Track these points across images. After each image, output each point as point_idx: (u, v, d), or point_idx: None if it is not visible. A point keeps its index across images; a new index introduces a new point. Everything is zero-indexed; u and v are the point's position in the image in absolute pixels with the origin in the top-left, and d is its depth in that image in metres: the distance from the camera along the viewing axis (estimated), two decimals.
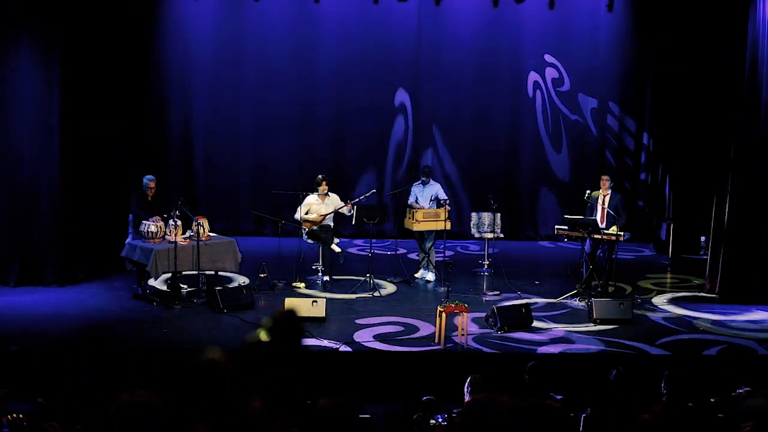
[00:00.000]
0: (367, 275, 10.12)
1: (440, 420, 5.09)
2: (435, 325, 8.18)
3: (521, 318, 8.60)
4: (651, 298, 10.00)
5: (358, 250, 12.47)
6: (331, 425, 3.00)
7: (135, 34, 12.22)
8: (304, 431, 3.10)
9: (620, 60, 13.88)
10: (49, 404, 5.16)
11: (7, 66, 9.96)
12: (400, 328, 8.56)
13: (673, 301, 9.90)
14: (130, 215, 9.95)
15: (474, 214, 11.20)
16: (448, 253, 10.93)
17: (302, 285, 10.16)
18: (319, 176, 10.49)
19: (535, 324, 8.66)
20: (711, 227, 10.43)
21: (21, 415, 3.79)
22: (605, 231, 9.65)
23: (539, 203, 14.19)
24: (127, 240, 9.86)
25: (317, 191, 10.37)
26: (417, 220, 10.39)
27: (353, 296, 9.78)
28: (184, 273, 9.56)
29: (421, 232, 10.59)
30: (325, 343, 7.95)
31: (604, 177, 9.96)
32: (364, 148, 13.98)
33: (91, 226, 10.84)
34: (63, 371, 7.40)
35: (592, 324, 8.71)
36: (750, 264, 9.89)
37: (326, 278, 10.21)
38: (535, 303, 9.50)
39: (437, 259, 10.79)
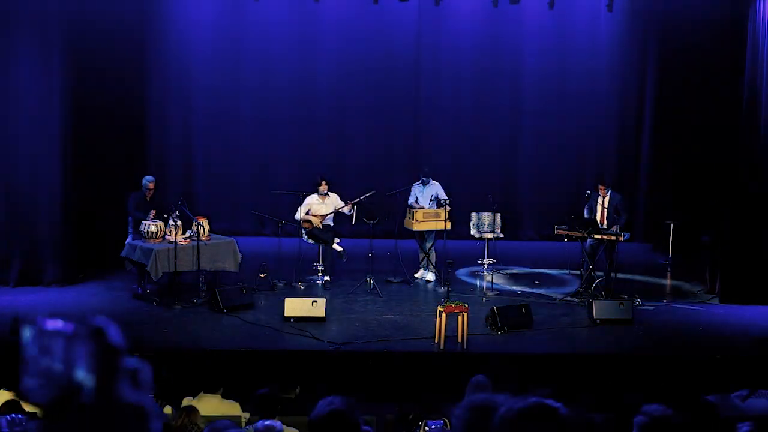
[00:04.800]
0: (368, 276, 10.12)
1: (433, 427, 5.04)
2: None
3: (521, 318, 8.60)
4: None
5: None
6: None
7: (135, 33, 12.21)
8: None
9: (620, 60, 13.88)
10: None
11: (7, 65, 9.95)
12: None
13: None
14: (130, 216, 9.97)
15: (474, 214, 11.19)
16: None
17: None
18: (319, 176, 10.49)
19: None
20: (711, 227, 10.43)
21: (21, 415, 3.78)
22: (605, 231, 9.65)
23: (539, 203, 14.18)
24: (127, 240, 9.86)
25: (317, 191, 10.37)
26: (417, 220, 10.38)
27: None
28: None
29: (421, 232, 10.58)
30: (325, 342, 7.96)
31: (601, 186, 9.95)
32: (364, 147, 13.98)
33: (91, 227, 10.84)
34: None
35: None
36: (750, 264, 9.88)
37: (327, 278, 10.20)
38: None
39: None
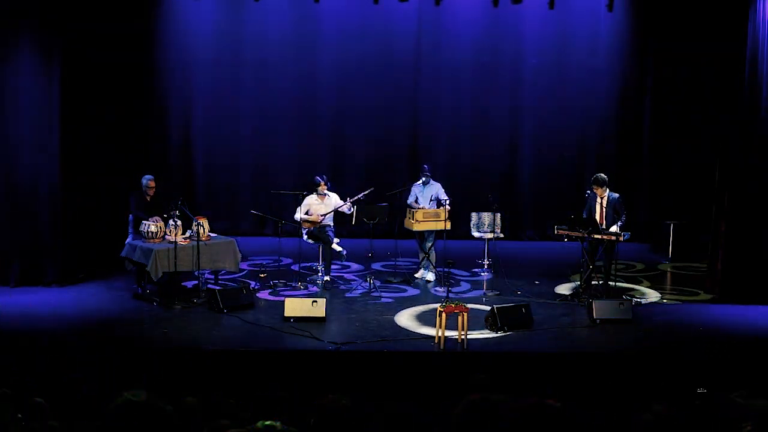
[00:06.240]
0: (368, 276, 10.13)
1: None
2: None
3: (521, 318, 8.59)
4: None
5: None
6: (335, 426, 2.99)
7: (135, 34, 12.21)
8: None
9: (620, 60, 13.88)
10: (48, 404, 5.16)
11: (7, 66, 9.95)
12: None
13: None
14: (130, 215, 9.96)
15: (474, 214, 11.18)
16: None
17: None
18: (318, 176, 10.48)
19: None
20: (711, 227, 10.43)
21: (19, 415, 3.78)
22: (605, 231, 9.64)
23: (539, 203, 14.17)
24: (127, 240, 9.86)
25: (316, 191, 10.37)
26: (417, 220, 10.38)
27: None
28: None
29: (421, 232, 10.57)
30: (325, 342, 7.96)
31: (596, 188, 9.91)
32: (364, 147, 13.97)
33: (91, 227, 10.83)
34: (63, 371, 7.39)
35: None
36: (750, 264, 9.88)
37: (326, 278, 10.20)
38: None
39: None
